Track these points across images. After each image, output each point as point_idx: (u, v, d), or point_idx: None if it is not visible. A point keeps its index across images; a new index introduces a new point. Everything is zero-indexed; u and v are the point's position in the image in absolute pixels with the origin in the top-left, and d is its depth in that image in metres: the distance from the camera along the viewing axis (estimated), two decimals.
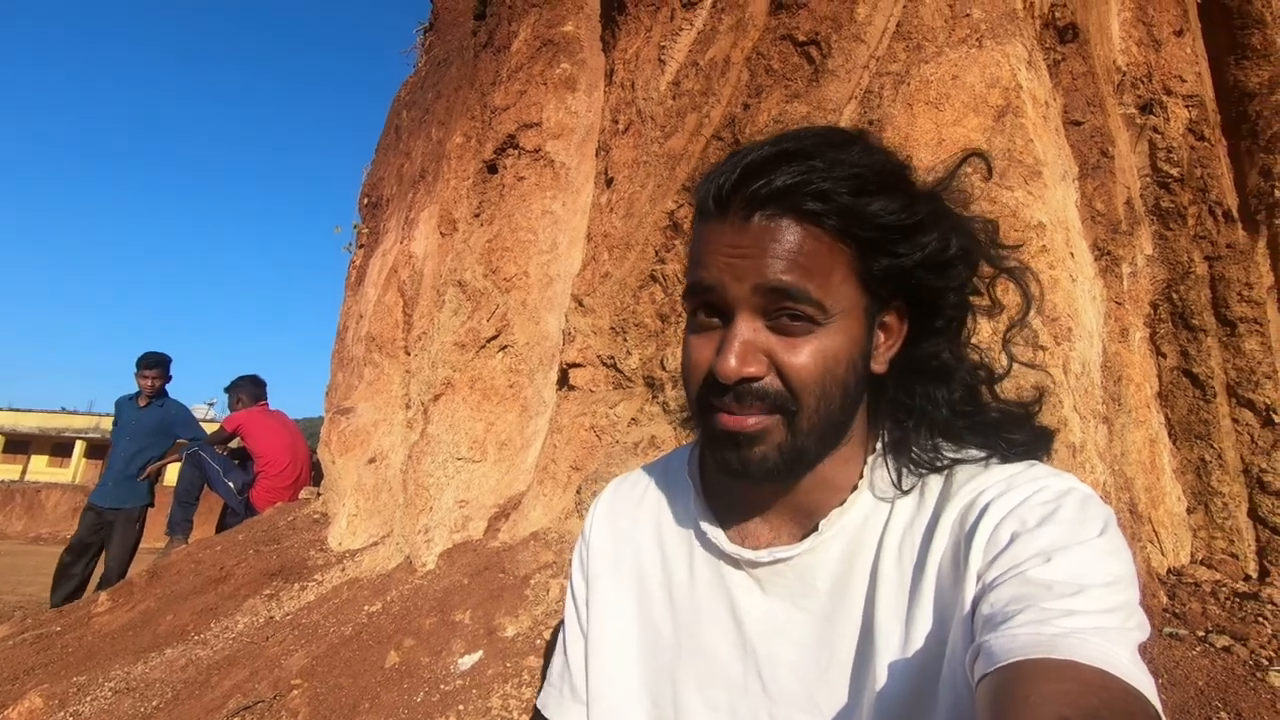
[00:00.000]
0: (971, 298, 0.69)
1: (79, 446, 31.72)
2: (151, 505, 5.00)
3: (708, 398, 0.64)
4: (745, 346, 0.61)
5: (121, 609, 3.29)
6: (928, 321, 0.67)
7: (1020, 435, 0.67)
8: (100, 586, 4.58)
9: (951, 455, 0.67)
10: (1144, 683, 0.45)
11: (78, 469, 31.03)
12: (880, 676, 0.61)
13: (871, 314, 0.64)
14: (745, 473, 0.64)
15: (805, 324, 0.61)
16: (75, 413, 34.07)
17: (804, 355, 0.61)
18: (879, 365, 0.67)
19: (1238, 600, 1.79)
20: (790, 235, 0.60)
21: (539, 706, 0.82)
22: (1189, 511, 2.25)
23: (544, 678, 0.88)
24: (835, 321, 0.61)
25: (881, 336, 0.67)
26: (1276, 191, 2.38)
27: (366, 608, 2.30)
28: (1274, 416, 2.24)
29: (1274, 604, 1.75)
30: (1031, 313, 0.70)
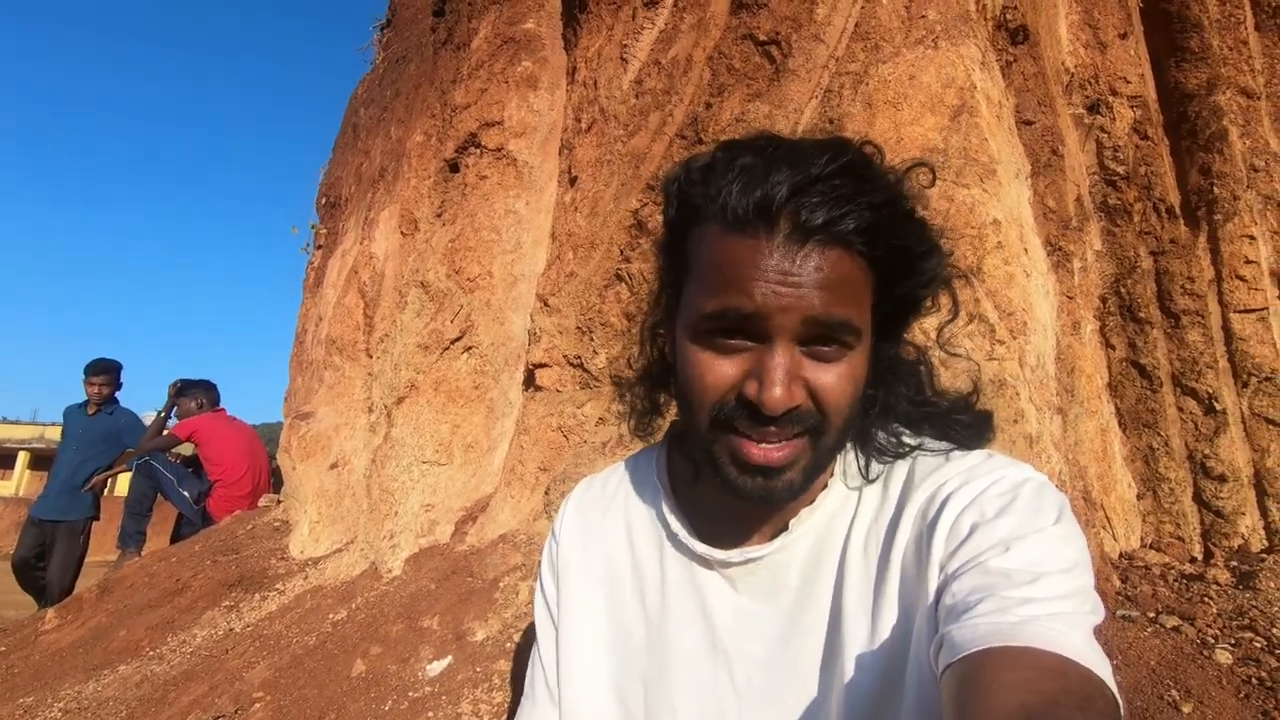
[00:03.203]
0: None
1: (22, 457, 30.38)
2: (96, 518, 4.79)
3: (731, 421, 0.62)
4: (789, 375, 0.60)
5: (71, 626, 3.16)
6: (895, 326, 0.69)
7: (966, 418, 0.71)
8: (42, 603, 4.39)
9: (911, 443, 0.69)
10: (1100, 665, 0.47)
11: (21, 481, 29.73)
12: (848, 670, 0.62)
13: (873, 329, 0.66)
14: (768, 499, 0.63)
15: (840, 349, 0.61)
16: (18, 422, 32.62)
17: (836, 378, 0.61)
18: None
19: (1185, 582, 1.87)
20: (840, 266, 0.59)
21: None
22: (1139, 497, 2.34)
23: (514, 687, 0.87)
24: (862, 343, 0.62)
25: None
26: (1215, 189, 2.48)
27: (331, 616, 2.25)
28: (1215, 405, 2.34)
29: (1218, 584, 1.82)
30: (961, 316, 0.74)
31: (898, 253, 0.61)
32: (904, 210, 0.62)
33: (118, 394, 4.91)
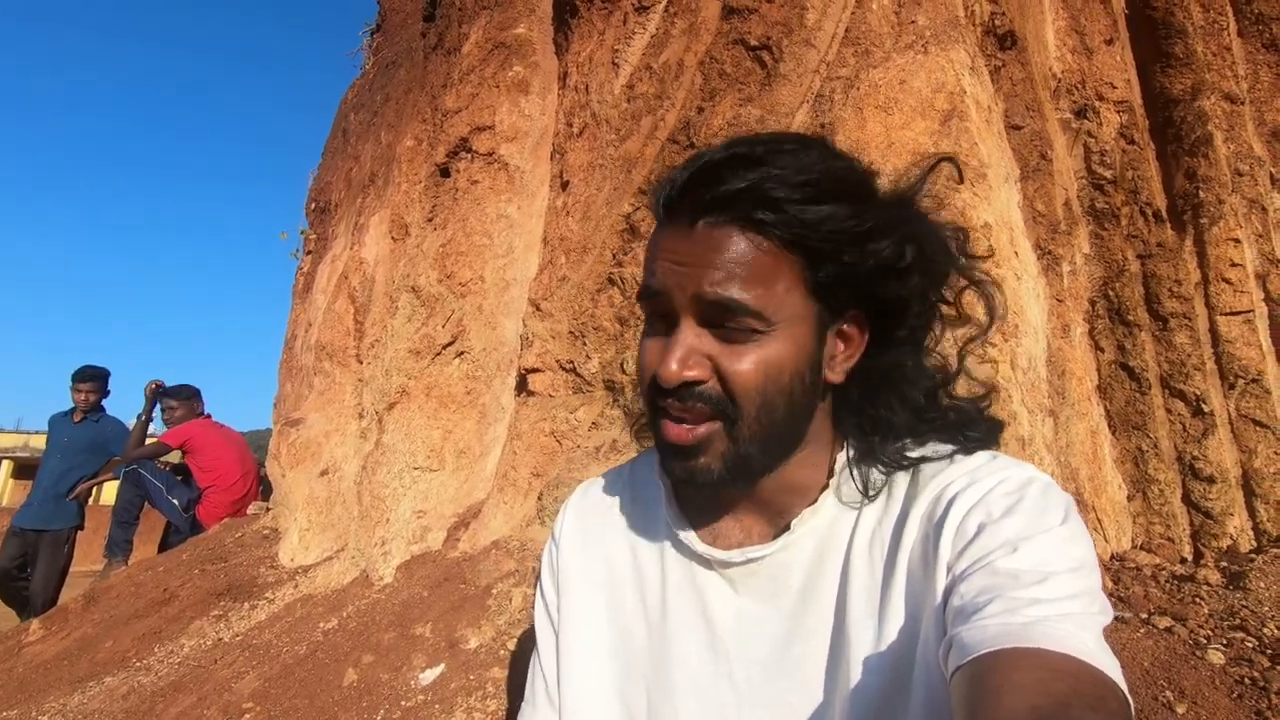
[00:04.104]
0: (941, 306, 0.70)
1: (5, 466, 29.96)
2: (81, 527, 4.70)
3: (655, 400, 0.65)
4: (687, 351, 0.62)
5: (55, 637, 3.11)
6: (890, 331, 0.66)
7: (977, 432, 0.68)
8: (24, 615, 4.32)
9: (915, 454, 0.67)
10: (1110, 665, 0.47)
11: (5, 489, 29.31)
12: (854, 673, 0.62)
13: (823, 323, 0.64)
14: (691, 481, 0.65)
15: (747, 332, 0.61)
16: (2, 430, 32.20)
17: (746, 363, 0.61)
18: (835, 375, 0.66)
19: (1176, 582, 1.88)
20: (732, 244, 0.60)
21: None
22: (1129, 499, 2.35)
23: (509, 694, 0.87)
24: (779, 330, 0.61)
25: (841, 346, 0.66)
26: (1201, 193, 2.51)
27: (322, 625, 2.23)
28: (1203, 406, 2.36)
29: (1208, 584, 1.84)
30: (994, 327, 0.71)
31: (811, 230, 0.60)
32: (823, 187, 0.60)
33: (105, 402, 4.84)
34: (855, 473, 0.68)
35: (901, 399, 0.68)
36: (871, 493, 0.67)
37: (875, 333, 0.67)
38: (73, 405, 4.71)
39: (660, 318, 0.65)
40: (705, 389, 0.62)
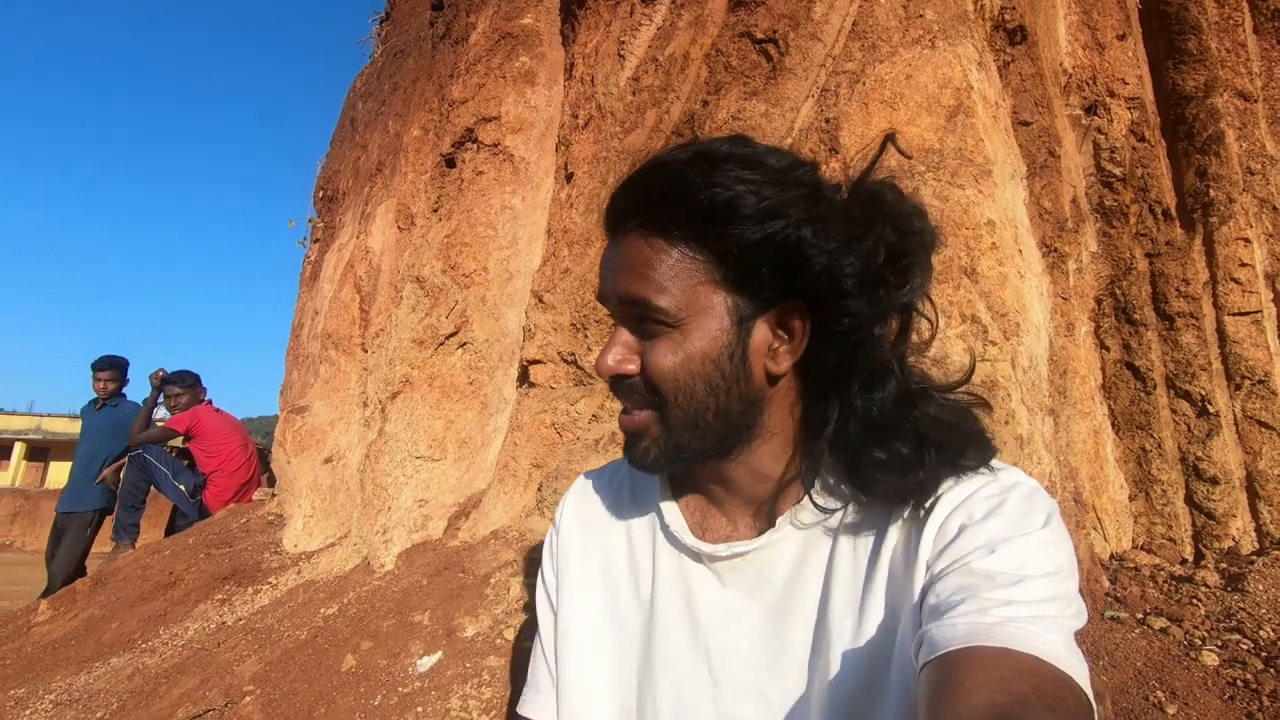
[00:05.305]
0: (916, 302, 0.67)
1: (18, 448, 30.33)
2: (108, 510, 4.85)
3: (615, 395, 0.72)
4: (618, 349, 0.69)
5: (63, 618, 3.16)
6: (827, 323, 0.65)
7: (972, 461, 0.64)
8: (44, 594, 4.40)
9: (839, 502, 0.67)
10: (1076, 668, 0.47)
11: (17, 471, 29.68)
12: (833, 666, 0.63)
13: (742, 313, 0.65)
14: (636, 464, 0.71)
15: (659, 327, 0.66)
16: (14, 413, 32.57)
17: (659, 356, 0.66)
18: (778, 366, 0.66)
19: (1174, 583, 1.87)
20: (637, 248, 0.66)
21: (519, 712, 0.82)
22: (1130, 499, 2.34)
23: (512, 682, 0.89)
24: (690, 324, 0.65)
25: (784, 336, 0.66)
26: (1211, 191, 2.48)
27: (323, 610, 2.25)
28: (1208, 407, 2.34)
29: (1207, 586, 1.83)
30: (955, 318, 0.69)
31: (694, 212, 0.63)
32: (716, 183, 0.62)
33: (126, 389, 5.04)
34: (816, 477, 0.68)
35: (843, 399, 0.65)
36: (822, 516, 0.67)
37: (817, 323, 0.65)
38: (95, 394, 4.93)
39: (613, 317, 0.72)
40: (633, 381, 0.69)
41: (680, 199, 0.64)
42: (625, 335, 0.69)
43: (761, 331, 0.66)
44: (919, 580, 0.59)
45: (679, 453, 0.69)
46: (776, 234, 0.61)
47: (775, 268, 0.63)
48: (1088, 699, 0.46)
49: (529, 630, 0.87)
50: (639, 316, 0.67)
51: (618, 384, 0.70)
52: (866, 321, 0.64)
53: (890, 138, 0.72)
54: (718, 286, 0.65)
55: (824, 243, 0.62)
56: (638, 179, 0.68)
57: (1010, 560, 0.54)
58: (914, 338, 0.68)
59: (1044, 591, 0.52)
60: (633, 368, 0.68)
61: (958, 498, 0.62)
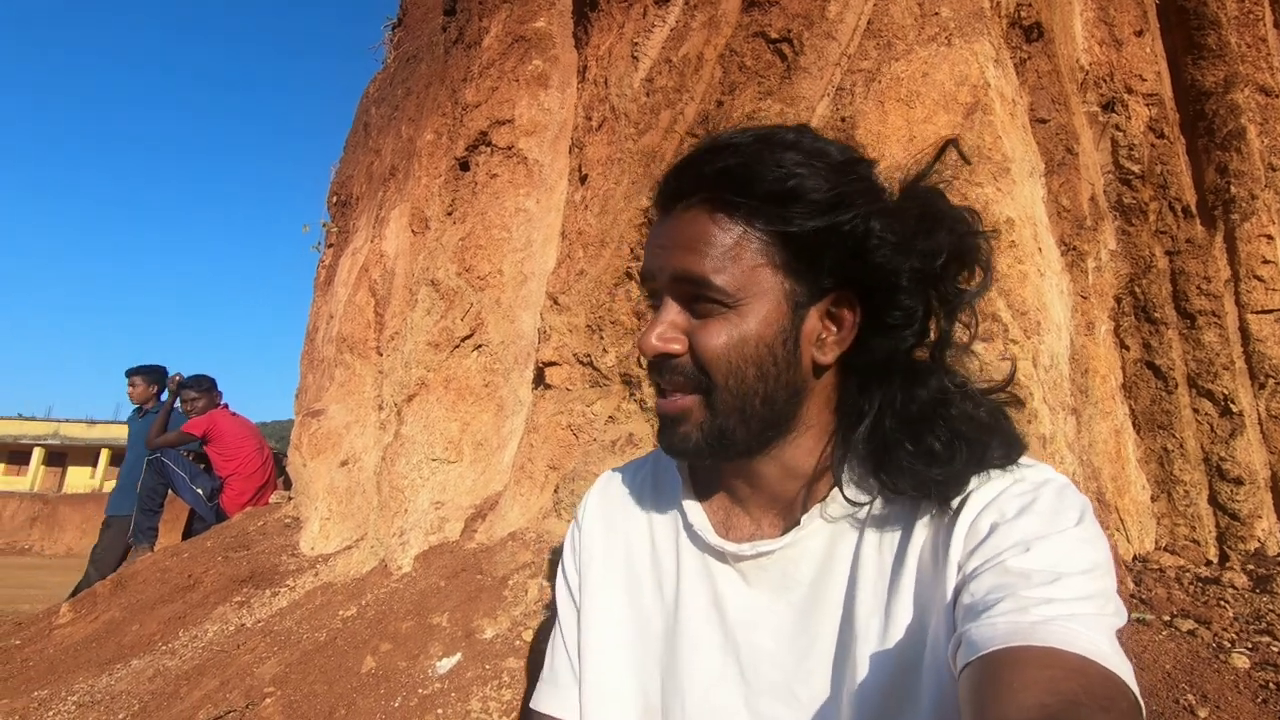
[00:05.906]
0: (958, 301, 0.66)
1: (37, 454, 30.72)
2: None
3: (652, 378, 0.70)
4: (665, 327, 0.66)
5: (84, 620, 3.19)
6: (880, 315, 0.65)
7: (998, 456, 0.63)
8: (75, 590, 4.48)
9: (867, 496, 0.66)
10: (1122, 667, 0.46)
11: (36, 477, 30.05)
12: (861, 667, 0.62)
13: (798, 300, 0.65)
14: (674, 450, 0.69)
15: (714, 306, 0.64)
16: (33, 419, 32.99)
17: (713, 336, 0.64)
18: (825, 356, 0.66)
19: (1200, 585, 1.85)
20: (699, 225, 0.64)
21: (534, 707, 0.81)
22: (1153, 499, 2.31)
23: (529, 681, 0.88)
24: (746, 305, 0.63)
25: (833, 327, 0.66)
26: (1232, 188, 2.45)
27: (341, 613, 2.26)
28: (1231, 406, 2.31)
29: (1234, 587, 1.80)
30: (984, 320, 0.68)
31: (767, 199, 0.62)
32: (792, 165, 0.61)
33: (163, 396, 5.22)
34: (846, 470, 0.67)
35: (895, 392, 0.65)
36: (863, 499, 0.66)
37: (867, 316, 0.66)
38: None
39: (654, 301, 0.70)
40: (680, 362, 0.66)
41: (750, 178, 0.62)
42: (671, 314, 0.67)
43: (812, 320, 0.66)
44: (951, 580, 0.58)
45: (721, 439, 0.66)
46: (845, 223, 0.62)
47: (838, 257, 0.63)
48: (1137, 699, 0.45)
49: (547, 632, 0.86)
50: (692, 295, 0.65)
51: (661, 364, 0.67)
52: (918, 318, 0.65)
53: (952, 142, 0.70)
54: (776, 270, 0.64)
55: (889, 236, 0.62)
56: (703, 155, 0.65)
57: (1046, 558, 0.53)
58: (957, 338, 0.67)
59: (1083, 589, 0.51)
60: (679, 347, 0.66)
61: (987, 495, 0.60)
